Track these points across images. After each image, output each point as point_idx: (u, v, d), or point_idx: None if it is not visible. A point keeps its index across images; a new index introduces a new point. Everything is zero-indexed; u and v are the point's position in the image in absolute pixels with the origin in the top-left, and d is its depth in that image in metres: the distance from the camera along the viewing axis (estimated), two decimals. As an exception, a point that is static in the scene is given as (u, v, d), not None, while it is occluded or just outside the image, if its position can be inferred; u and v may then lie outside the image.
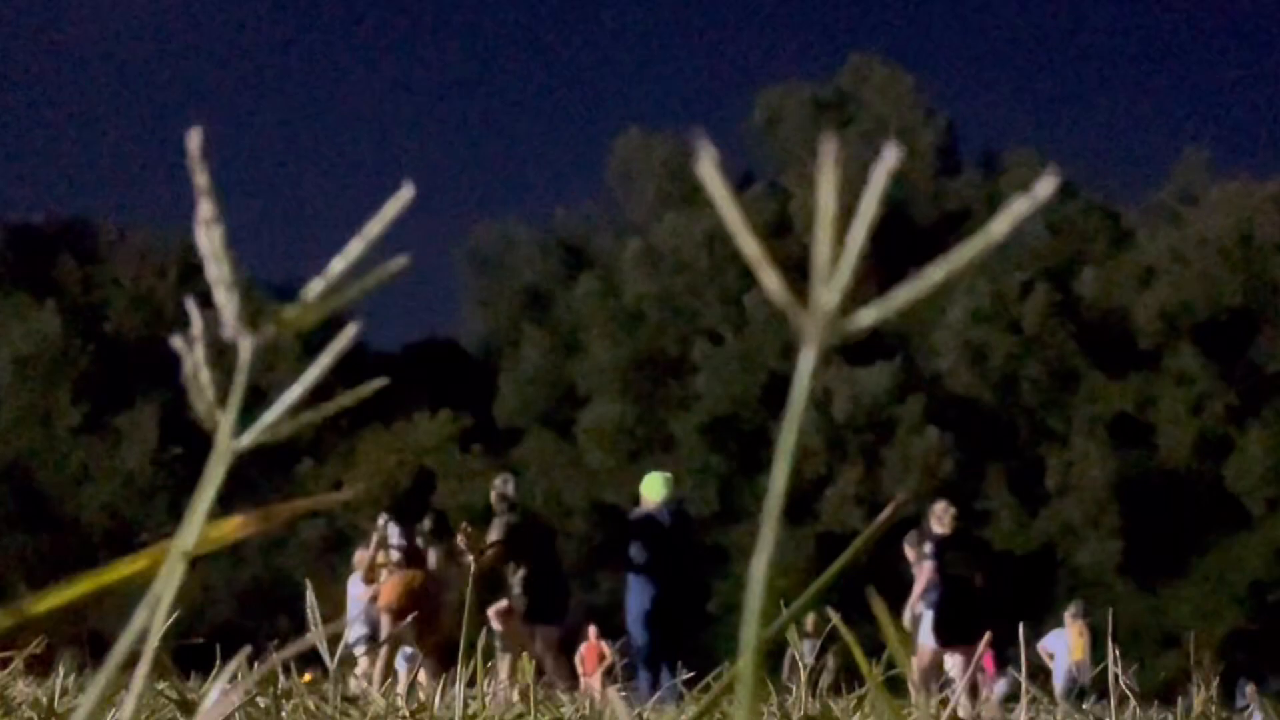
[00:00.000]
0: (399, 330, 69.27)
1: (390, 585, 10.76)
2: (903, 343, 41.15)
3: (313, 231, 65.97)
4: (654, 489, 10.87)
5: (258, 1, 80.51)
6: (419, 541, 10.78)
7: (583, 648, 18.90)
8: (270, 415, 0.57)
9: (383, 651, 10.16)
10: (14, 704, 2.76)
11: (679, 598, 10.63)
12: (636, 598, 10.60)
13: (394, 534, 10.80)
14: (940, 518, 11.12)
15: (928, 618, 10.91)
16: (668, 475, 11.15)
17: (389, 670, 10.07)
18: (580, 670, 18.35)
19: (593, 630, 19.23)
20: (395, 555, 10.74)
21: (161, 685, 2.42)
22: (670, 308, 42.51)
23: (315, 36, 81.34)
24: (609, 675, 17.76)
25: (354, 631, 12.67)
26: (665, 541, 10.62)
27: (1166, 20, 72.20)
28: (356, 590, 12.95)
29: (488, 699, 2.74)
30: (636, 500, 11.09)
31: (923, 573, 10.98)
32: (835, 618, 1.49)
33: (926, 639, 10.90)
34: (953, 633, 10.66)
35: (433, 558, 10.89)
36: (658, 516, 10.74)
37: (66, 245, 46.03)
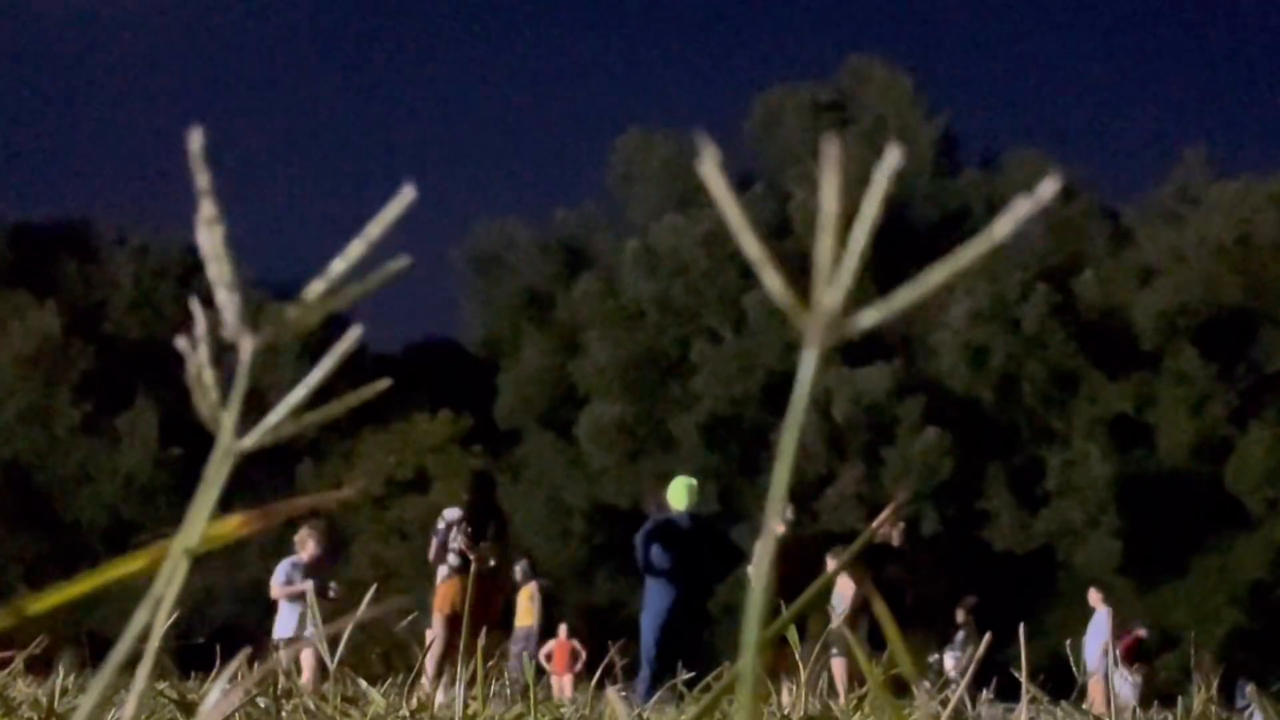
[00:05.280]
0: (399, 331, 69.16)
1: (447, 590, 10.69)
2: (903, 343, 41.13)
3: (313, 232, 65.95)
4: (678, 495, 10.84)
5: (259, 1, 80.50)
6: (463, 543, 10.62)
7: (551, 646, 18.70)
8: (274, 416, 0.57)
9: (433, 654, 10.09)
10: (14, 704, 2.76)
11: (697, 604, 10.65)
12: (654, 601, 10.61)
13: (454, 539, 10.71)
14: (890, 529, 11.29)
15: (861, 626, 10.89)
16: (692, 482, 11.05)
17: (440, 674, 10.04)
18: (550, 669, 18.25)
19: (563, 629, 19.04)
20: (454, 560, 10.67)
21: (161, 685, 2.42)
22: (670, 308, 42.48)
23: (315, 37, 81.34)
24: (580, 676, 17.70)
25: (282, 627, 12.56)
26: (685, 547, 10.62)
27: (1166, 20, 72.22)
28: (283, 579, 12.81)
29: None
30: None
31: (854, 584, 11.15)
32: (835, 619, 1.50)
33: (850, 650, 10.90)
34: (877, 642, 10.58)
35: (492, 562, 10.78)
36: (678, 522, 10.73)
37: (66, 245, 46.04)
